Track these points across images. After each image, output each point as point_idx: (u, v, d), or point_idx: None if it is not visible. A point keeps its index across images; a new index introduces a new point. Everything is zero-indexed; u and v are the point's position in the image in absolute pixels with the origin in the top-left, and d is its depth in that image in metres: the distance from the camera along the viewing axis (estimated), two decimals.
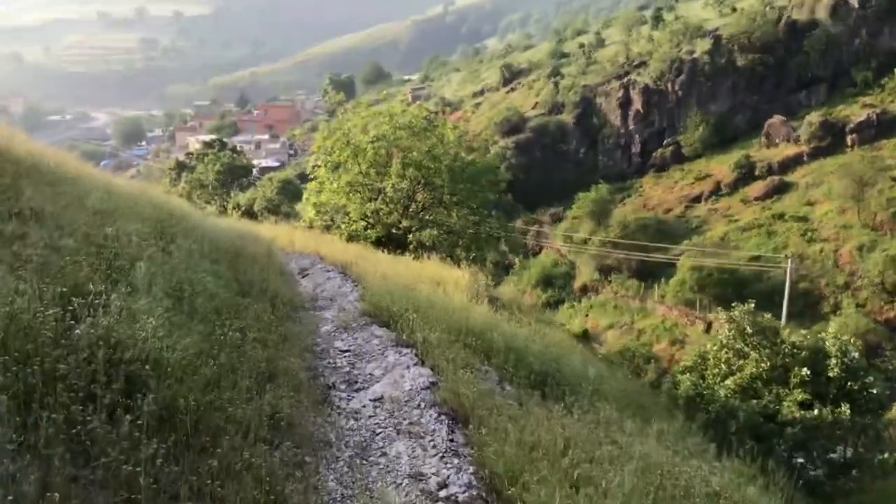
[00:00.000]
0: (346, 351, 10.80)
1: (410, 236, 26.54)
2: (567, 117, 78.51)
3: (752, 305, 20.91)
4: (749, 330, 19.80)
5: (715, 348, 21.00)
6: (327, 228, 28.41)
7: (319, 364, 10.02)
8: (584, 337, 32.83)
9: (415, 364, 9.62)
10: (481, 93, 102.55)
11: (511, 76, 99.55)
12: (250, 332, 9.06)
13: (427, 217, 27.92)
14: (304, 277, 14.07)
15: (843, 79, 64.49)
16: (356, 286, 13.23)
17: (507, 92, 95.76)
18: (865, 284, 43.29)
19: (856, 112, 59.17)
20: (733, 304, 22.24)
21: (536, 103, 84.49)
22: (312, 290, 13.49)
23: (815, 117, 59.62)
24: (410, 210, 28.26)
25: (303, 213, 34.62)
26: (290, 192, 66.02)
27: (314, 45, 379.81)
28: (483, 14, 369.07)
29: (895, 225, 46.45)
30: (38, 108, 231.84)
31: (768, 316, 21.74)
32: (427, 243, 25.89)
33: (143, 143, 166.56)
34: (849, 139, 56.98)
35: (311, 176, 31.26)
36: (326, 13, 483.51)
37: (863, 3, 63.93)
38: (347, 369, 9.93)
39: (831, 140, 57.99)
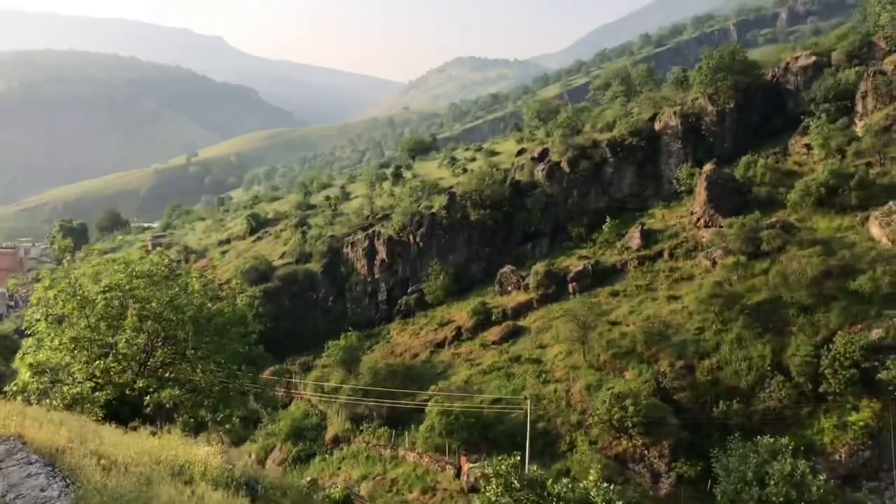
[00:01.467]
0: None
1: (147, 398, 24.04)
2: (315, 266, 79.28)
3: (518, 458, 20.84)
4: (517, 484, 19.57)
5: None
6: (45, 394, 24.54)
7: None
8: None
9: None
10: (227, 241, 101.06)
11: (258, 225, 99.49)
12: None
13: (168, 375, 25.47)
14: None
15: (561, 233, 71.87)
16: (68, 487, 9.92)
17: (254, 241, 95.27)
18: (595, 422, 46.38)
19: (574, 263, 65.65)
20: (500, 458, 22.11)
21: (284, 252, 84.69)
22: None
23: (540, 267, 65.21)
24: (148, 367, 25.75)
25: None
26: (8, 348, 59.32)
27: (44, 189, 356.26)
28: (227, 166, 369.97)
29: (616, 364, 50.98)
30: None
31: (517, 458, 21.88)
32: (167, 405, 23.64)
33: None
34: (570, 287, 62.68)
35: (28, 332, 27.46)
36: (58, 158, 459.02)
37: (572, 167, 72.64)
38: None
39: (555, 288, 63.53)
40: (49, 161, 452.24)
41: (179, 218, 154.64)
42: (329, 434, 58.53)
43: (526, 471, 37.27)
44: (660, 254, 61.42)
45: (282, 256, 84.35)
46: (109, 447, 11.48)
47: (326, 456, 56.40)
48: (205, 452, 11.74)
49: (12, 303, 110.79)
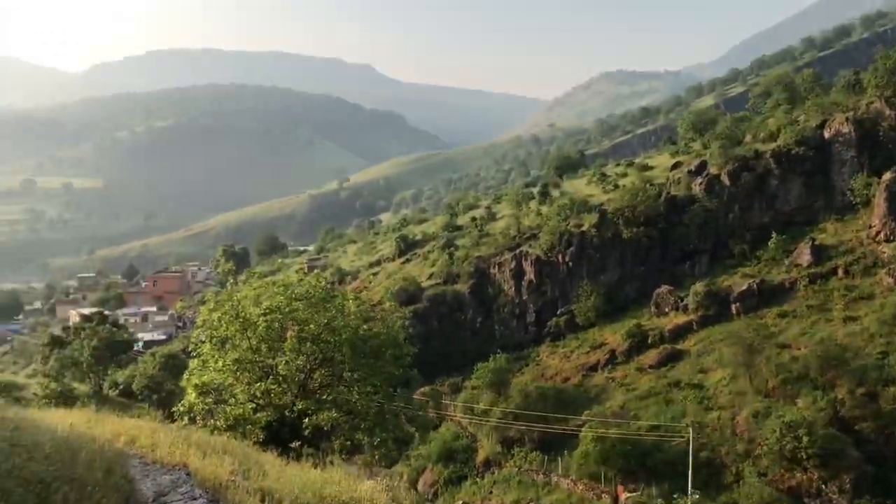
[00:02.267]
0: None
1: (306, 420, 24.07)
2: (463, 287, 79.11)
3: (697, 496, 19.05)
4: None
5: None
6: (209, 414, 25.19)
7: None
8: None
9: None
10: (378, 263, 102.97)
11: (406, 247, 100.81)
12: None
13: (325, 397, 25.47)
14: None
15: (722, 250, 67.93)
16: None
17: (403, 262, 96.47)
18: (765, 452, 43.09)
19: (737, 282, 61.85)
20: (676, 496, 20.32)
21: (432, 273, 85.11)
22: None
23: (700, 287, 61.86)
24: (307, 389, 25.86)
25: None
26: (176, 367, 62.49)
27: (209, 216, 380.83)
28: (377, 190, 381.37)
29: (786, 391, 47.22)
30: None
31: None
32: (325, 427, 23.54)
33: (20, 316, 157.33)
34: (733, 307, 59.05)
35: (194, 353, 28.34)
36: (221, 185, 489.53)
37: (733, 180, 68.69)
38: None
39: (717, 308, 60.02)
40: (211, 189, 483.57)
41: (332, 241, 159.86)
42: (480, 457, 57.68)
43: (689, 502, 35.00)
44: (833, 271, 56.83)
45: (430, 277, 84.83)
46: (272, 481, 10.94)
47: (478, 479, 55.42)
48: (370, 489, 10.96)
49: (181, 324, 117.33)
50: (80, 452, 9.39)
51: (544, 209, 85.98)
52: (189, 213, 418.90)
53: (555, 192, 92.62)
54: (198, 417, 25.44)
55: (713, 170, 71.46)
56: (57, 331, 79.23)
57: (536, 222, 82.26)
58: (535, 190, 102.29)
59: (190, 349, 28.92)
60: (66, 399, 43.39)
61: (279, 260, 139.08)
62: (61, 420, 12.86)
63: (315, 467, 13.41)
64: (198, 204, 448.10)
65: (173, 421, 26.39)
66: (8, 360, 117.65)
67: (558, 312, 72.24)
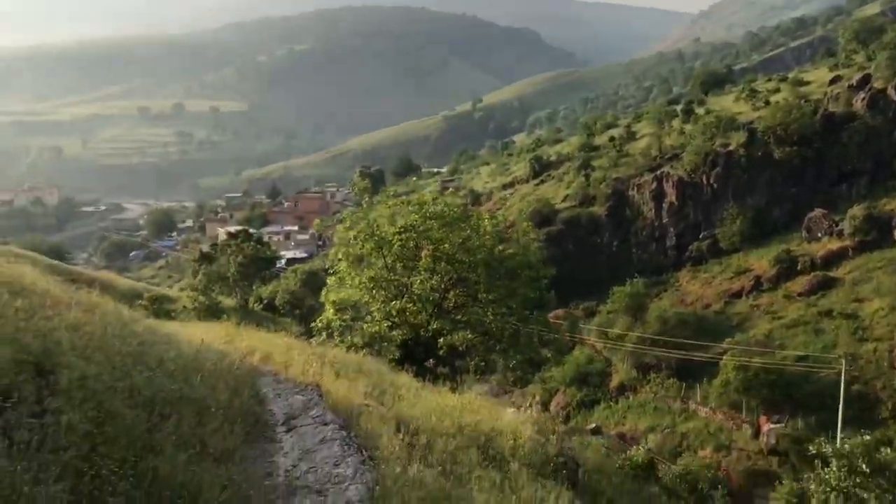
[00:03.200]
0: None
1: (441, 340, 23.89)
2: (599, 209, 76.97)
3: (867, 437, 17.12)
4: (865, 469, 15.98)
5: (820, 489, 17.05)
6: (347, 329, 25.57)
7: None
8: (650, 468, 28.30)
9: None
10: (511, 185, 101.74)
11: (541, 168, 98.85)
12: None
13: (460, 317, 25.16)
14: (288, 432, 9.04)
15: (884, 171, 62.30)
16: (363, 464, 8.35)
17: (537, 184, 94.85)
18: None
19: None
20: (843, 437, 18.50)
21: (567, 195, 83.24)
22: (290, 467, 8.33)
23: (858, 211, 57.25)
24: (441, 309, 25.61)
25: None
26: (315, 284, 64.52)
27: (347, 139, 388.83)
28: (510, 111, 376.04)
29: None
30: (71, 200, 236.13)
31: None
32: (459, 347, 23.27)
33: (174, 233, 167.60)
34: (895, 233, 54.40)
35: (331, 270, 28.66)
36: (358, 107, 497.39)
37: None
38: None
39: (876, 234, 55.52)
40: (349, 112, 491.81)
41: (466, 163, 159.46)
42: (614, 382, 56.98)
43: (838, 437, 32.83)
44: None
45: (564, 199, 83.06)
46: (407, 406, 10.41)
47: (611, 404, 54.83)
48: (513, 420, 10.19)
49: (320, 242, 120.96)
50: (205, 371, 9.20)
51: (688, 128, 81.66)
52: (328, 135, 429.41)
53: (699, 110, 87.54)
54: (335, 333, 25.84)
55: (878, 83, 65.13)
56: (206, 247, 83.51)
57: (679, 142, 78.35)
58: (679, 108, 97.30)
59: (328, 267, 29.30)
60: (212, 312, 45.58)
61: (413, 181, 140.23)
62: (199, 334, 12.90)
63: (453, 391, 12.76)
64: (336, 126, 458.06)
65: (312, 337, 26.98)
66: (163, 274, 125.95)
67: (700, 236, 69.16)
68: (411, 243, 25.67)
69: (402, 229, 25.41)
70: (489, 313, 25.33)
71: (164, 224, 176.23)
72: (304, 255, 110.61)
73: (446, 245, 25.21)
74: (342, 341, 25.36)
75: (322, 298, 28.15)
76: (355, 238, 26.72)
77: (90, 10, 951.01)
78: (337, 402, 9.68)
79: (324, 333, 26.20)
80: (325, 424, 9.00)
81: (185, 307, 47.20)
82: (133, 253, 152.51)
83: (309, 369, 11.30)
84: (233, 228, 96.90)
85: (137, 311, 19.34)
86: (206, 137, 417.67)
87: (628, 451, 28.17)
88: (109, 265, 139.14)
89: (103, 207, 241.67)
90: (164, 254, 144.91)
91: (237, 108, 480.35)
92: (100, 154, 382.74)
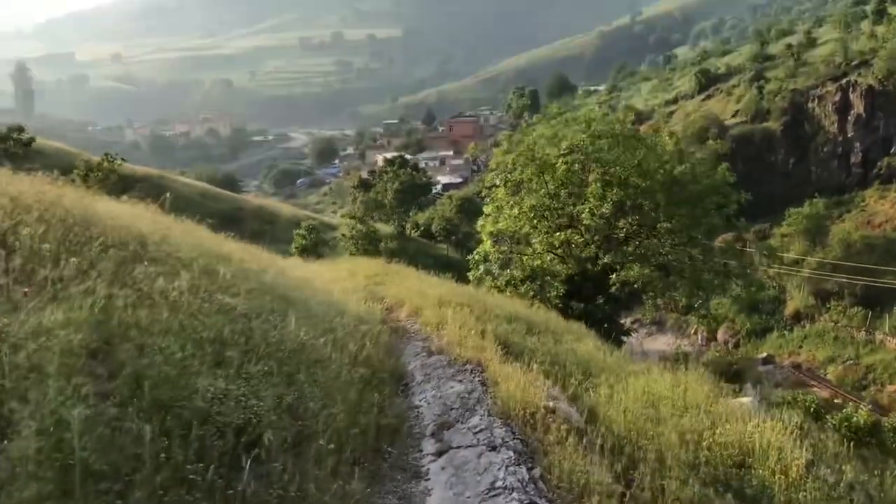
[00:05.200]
0: None
1: (613, 276, 21.20)
2: (773, 125, 70.25)
3: None
4: None
5: None
6: (506, 263, 23.26)
7: None
8: (873, 432, 23.82)
9: None
10: (674, 101, 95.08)
11: (708, 82, 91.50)
12: None
13: (633, 250, 22.17)
14: (439, 457, 6.50)
15: None
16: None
17: (704, 99, 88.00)
18: None
19: None
20: None
21: (737, 111, 76.54)
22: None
23: None
24: (611, 241, 22.75)
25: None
26: (470, 210, 63.11)
27: (499, 60, 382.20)
28: (672, 23, 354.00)
29: None
30: (242, 130, 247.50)
31: None
32: (634, 284, 20.48)
33: (336, 161, 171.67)
34: None
35: (487, 199, 26.14)
36: (511, 28, 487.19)
37: None
38: None
39: None
40: (503, 32, 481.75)
41: (625, 79, 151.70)
42: (789, 309, 53.37)
43: None
44: None
45: (734, 115, 76.63)
46: (604, 401, 7.67)
47: (785, 333, 51.55)
48: (770, 432, 7.09)
49: (475, 167, 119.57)
50: (328, 356, 7.27)
51: (880, 30, 72.16)
52: (481, 57, 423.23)
53: (894, 9, 76.82)
54: (494, 267, 23.70)
55: None
56: (364, 174, 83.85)
57: (869, 46, 69.26)
58: (868, 8, 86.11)
59: (483, 194, 26.97)
60: (370, 239, 44.95)
61: (570, 101, 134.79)
62: (343, 279, 11.22)
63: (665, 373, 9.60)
64: (489, 47, 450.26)
65: (469, 269, 25.03)
66: (327, 200, 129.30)
67: (892, 151, 61.60)
68: (577, 166, 22.83)
69: (567, 151, 22.52)
70: (667, 244, 22.17)
71: (326, 152, 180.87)
72: (459, 180, 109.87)
73: (618, 167, 22.13)
74: (499, 278, 23.26)
75: (478, 228, 25.98)
76: (514, 162, 24.13)
77: None
78: (508, 398, 7.11)
79: (481, 267, 24.11)
80: (494, 450, 6.15)
81: (343, 235, 46.81)
82: (300, 181, 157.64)
83: (468, 337, 9.05)
84: (390, 155, 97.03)
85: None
86: (364, 65, 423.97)
87: (844, 410, 24.37)
88: (277, 192, 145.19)
89: (271, 137, 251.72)
90: (327, 181, 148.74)
91: (393, 34, 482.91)
92: (265, 85, 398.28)
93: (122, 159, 41.30)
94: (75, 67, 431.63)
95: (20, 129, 38.78)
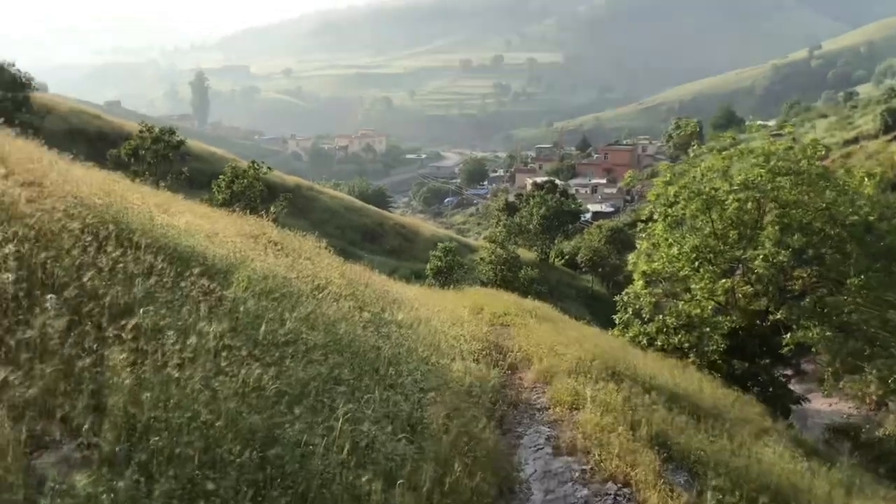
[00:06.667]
0: None
1: (788, 336, 17.98)
2: None
3: None
4: None
5: None
6: (660, 307, 20.44)
7: None
8: None
9: None
10: (854, 141, 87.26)
11: (894, 122, 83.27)
12: None
13: (815, 307, 18.68)
14: None
15: None
16: None
17: (889, 140, 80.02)
18: None
19: None
20: None
21: None
22: None
23: None
24: (786, 293, 19.44)
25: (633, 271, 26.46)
26: (621, 241, 59.69)
27: (663, 90, 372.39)
28: (855, 58, 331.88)
29: None
30: (397, 147, 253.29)
31: None
32: (812, 348, 17.24)
33: (486, 182, 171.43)
34: None
35: (642, 234, 23.26)
36: (678, 59, 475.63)
37: None
38: None
39: None
40: (667, 61, 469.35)
41: (798, 115, 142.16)
42: None
43: None
44: None
45: None
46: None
47: None
48: None
49: (628, 197, 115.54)
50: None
51: None
52: (643, 86, 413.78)
53: None
54: (645, 312, 20.89)
55: None
56: (511, 197, 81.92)
57: None
58: None
59: (639, 227, 24.14)
60: (509, 266, 42.79)
61: (755, 126, 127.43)
62: (468, 314, 9.14)
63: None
64: (653, 76, 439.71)
65: (616, 311, 22.38)
66: (473, 221, 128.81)
67: None
68: (751, 205, 19.63)
69: (740, 186, 19.37)
70: (855, 303, 18.58)
71: (476, 173, 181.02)
72: (611, 209, 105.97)
73: (800, 210, 18.81)
74: (652, 322, 20.48)
75: (629, 265, 23.25)
76: (675, 195, 21.23)
77: None
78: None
79: (629, 310, 21.37)
80: None
81: (481, 259, 44.96)
82: (447, 199, 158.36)
83: (612, 429, 6.61)
84: (539, 179, 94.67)
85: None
86: (522, 89, 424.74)
87: None
88: (425, 209, 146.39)
89: (424, 155, 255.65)
90: (475, 202, 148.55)
91: (554, 59, 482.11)
92: (424, 104, 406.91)
93: (269, 167, 41.28)
94: (249, 79, 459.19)
95: (171, 132, 39.57)
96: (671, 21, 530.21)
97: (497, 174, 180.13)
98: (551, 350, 11.27)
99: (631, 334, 21.02)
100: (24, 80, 40.44)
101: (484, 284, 35.99)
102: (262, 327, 5.89)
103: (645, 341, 20.09)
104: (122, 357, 4.31)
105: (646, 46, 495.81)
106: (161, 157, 37.10)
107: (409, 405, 6.23)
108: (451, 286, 29.14)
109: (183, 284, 6.04)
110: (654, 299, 20.98)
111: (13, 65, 40.82)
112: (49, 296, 4.59)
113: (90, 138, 49.63)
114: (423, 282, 33.31)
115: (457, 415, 6.49)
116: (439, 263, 38.20)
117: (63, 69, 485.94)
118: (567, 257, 66.12)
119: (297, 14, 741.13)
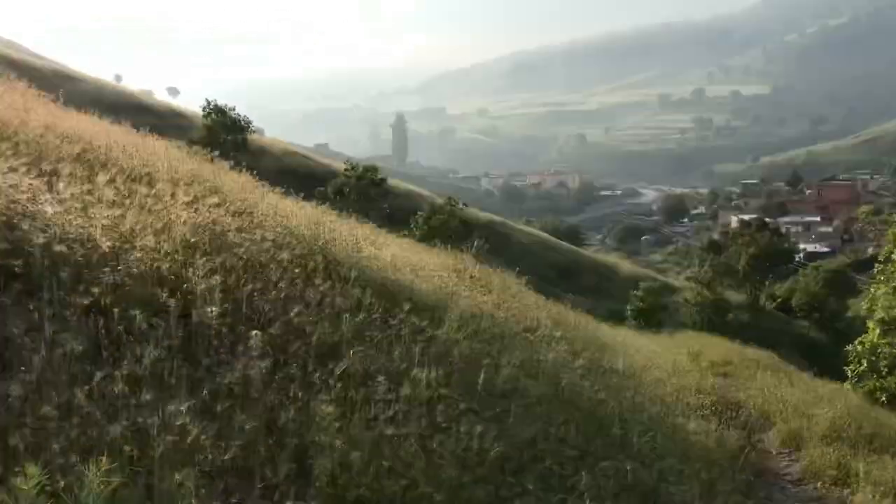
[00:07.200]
0: None
1: None
2: None
3: None
4: None
5: None
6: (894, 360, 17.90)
7: None
8: None
9: None
10: None
11: None
12: None
13: None
14: None
15: None
16: None
17: None
18: None
19: None
20: None
21: None
22: None
23: None
24: None
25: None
26: (840, 284, 54.55)
27: (884, 121, 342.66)
28: None
29: None
30: (591, 184, 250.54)
31: None
32: None
33: (686, 220, 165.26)
34: None
35: (881, 276, 20.52)
36: None
37: None
38: None
39: None
40: (889, 89, 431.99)
41: None
42: None
43: None
44: None
45: None
46: None
47: None
48: None
49: (846, 236, 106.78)
50: None
51: None
52: (861, 118, 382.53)
53: None
54: (882, 365, 18.37)
55: None
56: (716, 235, 77.81)
57: None
58: None
59: (876, 269, 21.40)
60: (716, 309, 40.16)
61: None
62: (684, 361, 8.00)
63: None
64: (872, 106, 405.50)
65: (848, 363, 19.93)
66: (672, 260, 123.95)
67: None
68: None
69: None
70: None
71: (676, 210, 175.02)
72: (826, 249, 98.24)
73: None
74: (890, 374, 17.96)
75: (863, 311, 20.63)
76: None
77: (616, 6, 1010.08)
78: None
79: (863, 363, 18.87)
80: None
81: (686, 300, 42.58)
82: (644, 237, 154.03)
83: None
84: (746, 217, 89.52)
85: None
86: (725, 123, 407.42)
87: None
88: (620, 247, 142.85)
89: (619, 192, 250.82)
90: (675, 239, 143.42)
91: (760, 91, 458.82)
92: (620, 141, 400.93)
93: (464, 204, 41.87)
94: (446, 120, 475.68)
95: (374, 170, 41.27)
96: (892, 46, 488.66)
97: (698, 211, 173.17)
98: (796, 408, 9.82)
99: (866, 389, 18.61)
100: (243, 123, 44.02)
101: (687, 328, 33.90)
102: (482, 375, 5.23)
103: (884, 397, 17.70)
104: (329, 410, 3.80)
105: (864, 75, 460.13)
106: (364, 193, 38.70)
107: (651, 476, 5.31)
108: (655, 329, 27.59)
109: (392, 322, 5.63)
110: (893, 350, 18.41)
111: (233, 109, 44.53)
112: (254, 332, 4.26)
113: (299, 177, 52.72)
114: (622, 323, 31.89)
115: (710, 493, 5.46)
116: (641, 304, 36.55)
117: (280, 115, 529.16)
118: (779, 300, 61.38)
119: (492, 56, 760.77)
